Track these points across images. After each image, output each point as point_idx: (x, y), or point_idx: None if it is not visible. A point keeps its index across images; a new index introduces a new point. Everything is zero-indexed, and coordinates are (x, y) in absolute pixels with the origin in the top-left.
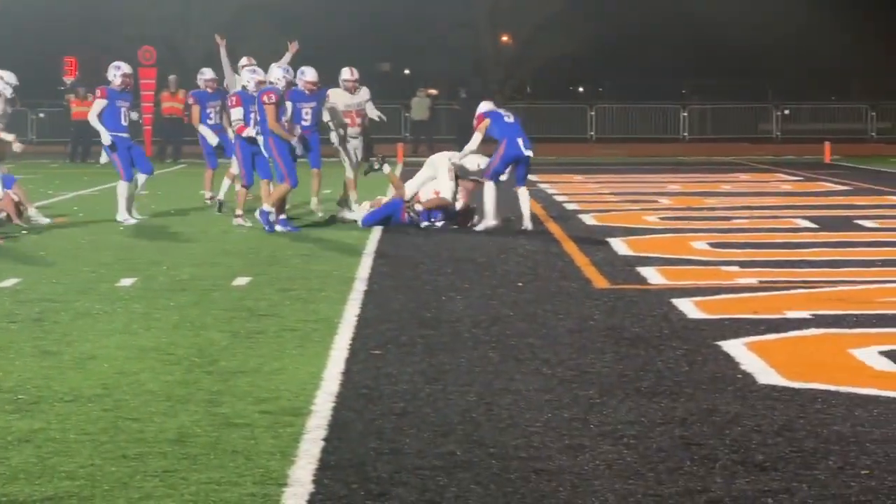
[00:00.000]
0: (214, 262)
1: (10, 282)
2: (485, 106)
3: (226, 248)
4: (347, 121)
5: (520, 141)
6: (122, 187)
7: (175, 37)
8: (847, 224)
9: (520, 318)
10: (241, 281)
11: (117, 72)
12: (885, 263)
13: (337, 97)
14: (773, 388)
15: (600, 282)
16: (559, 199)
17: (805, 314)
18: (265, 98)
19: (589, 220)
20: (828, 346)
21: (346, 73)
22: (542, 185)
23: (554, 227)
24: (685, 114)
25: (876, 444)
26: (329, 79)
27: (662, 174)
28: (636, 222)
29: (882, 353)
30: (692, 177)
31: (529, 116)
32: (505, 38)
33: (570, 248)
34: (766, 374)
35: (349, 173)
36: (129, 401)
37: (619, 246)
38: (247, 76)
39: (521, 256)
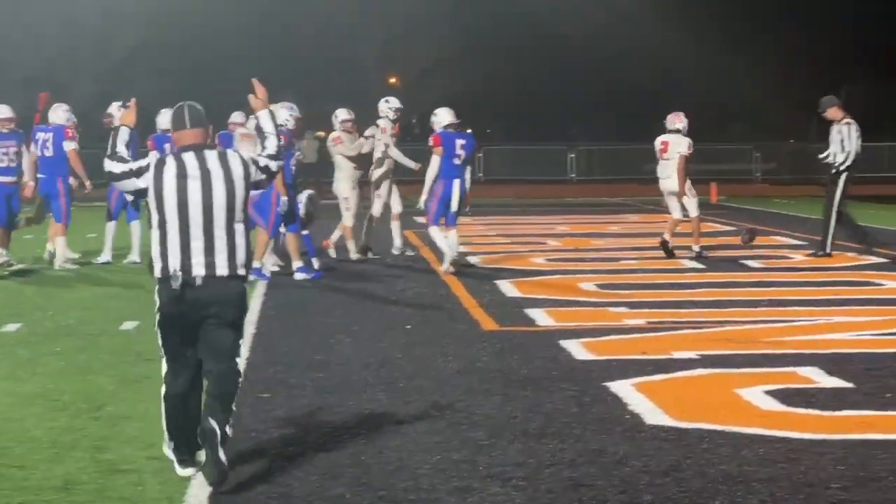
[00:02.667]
0: (102, 307)
1: None
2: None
3: (113, 292)
4: (354, 164)
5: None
6: None
7: (62, 79)
8: (733, 264)
9: (408, 361)
10: (129, 325)
11: None
12: (770, 303)
13: (345, 141)
14: (661, 428)
15: (488, 324)
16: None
17: (692, 354)
18: None
19: (476, 261)
20: (714, 386)
21: (345, 115)
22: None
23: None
24: (573, 155)
25: (762, 483)
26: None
27: (550, 216)
28: (524, 264)
29: (767, 392)
30: (580, 218)
31: (416, 158)
32: (393, 80)
33: (459, 290)
34: (653, 415)
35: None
36: (13, 448)
37: (507, 287)
38: (286, 114)
39: (409, 298)
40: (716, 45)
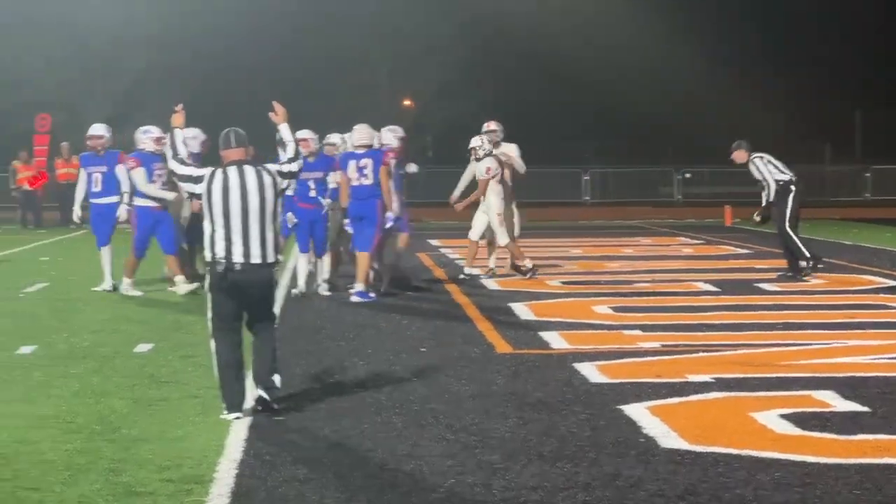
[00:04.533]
0: (116, 329)
1: None
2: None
3: (127, 314)
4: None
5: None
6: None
7: (75, 102)
8: (748, 287)
9: (423, 384)
10: (144, 347)
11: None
12: (785, 326)
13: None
14: (676, 451)
15: (503, 346)
16: (461, 263)
17: (706, 377)
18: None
19: (491, 284)
20: (729, 410)
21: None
22: (444, 250)
23: (456, 292)
24: (587, 177)
25: None
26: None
27: (564, 238)
28: (538, 287)
29: (782, 416)
30: (594, 240)
31: (432, 181)
32: (407, 102)
33: (473, 313)
34: (668, 438)
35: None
36: (28, 470)
37: (522, 310)
38: (389, 136)
39: (424, 321)
40: (727, 66)
